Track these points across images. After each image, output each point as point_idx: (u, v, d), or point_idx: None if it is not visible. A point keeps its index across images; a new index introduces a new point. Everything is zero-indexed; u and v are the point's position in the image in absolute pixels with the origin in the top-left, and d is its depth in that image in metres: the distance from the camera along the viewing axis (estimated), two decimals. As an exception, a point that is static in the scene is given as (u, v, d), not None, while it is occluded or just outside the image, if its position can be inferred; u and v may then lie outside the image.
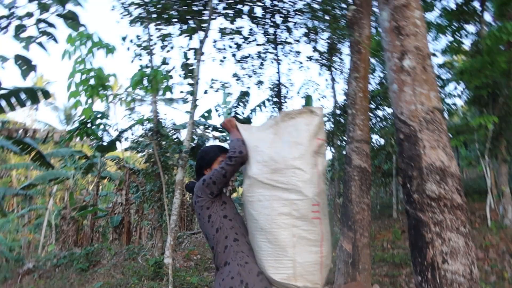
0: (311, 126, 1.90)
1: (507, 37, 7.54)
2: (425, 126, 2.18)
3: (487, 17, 10.36)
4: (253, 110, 12.93)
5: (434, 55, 12.94)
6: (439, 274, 1.99)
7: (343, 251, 5.52)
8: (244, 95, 12.53)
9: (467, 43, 11.91)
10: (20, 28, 3.86)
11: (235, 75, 10.24)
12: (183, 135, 11.12)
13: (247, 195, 1.90)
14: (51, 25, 4.08)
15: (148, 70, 6.38)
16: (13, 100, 7.74)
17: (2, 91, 7.20)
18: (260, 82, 10.89)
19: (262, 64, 10.43)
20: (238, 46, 9.19)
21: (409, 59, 2.34)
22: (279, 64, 12.08)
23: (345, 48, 12.99)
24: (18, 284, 9.02)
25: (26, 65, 3.86)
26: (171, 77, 6.70)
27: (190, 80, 7.51)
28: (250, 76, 10.40)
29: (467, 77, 8.74)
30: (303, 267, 1.76)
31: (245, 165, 1.95)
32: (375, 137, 12.42)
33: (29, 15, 3.96)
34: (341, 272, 5.49)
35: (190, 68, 7.60)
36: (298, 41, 12.25)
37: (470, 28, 11.01)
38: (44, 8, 4.09)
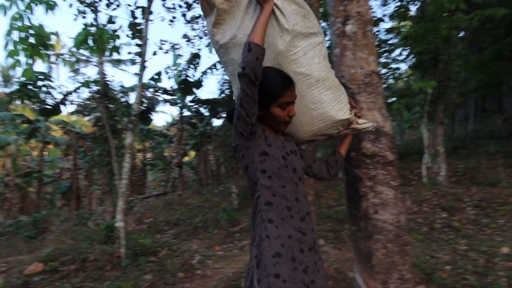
0: None
1: (449, 4, 7.88)
2: (363, 89, 2.32)
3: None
4: (204, 73, 12.71)
5: (382, 20, 13.27)
6: (371, 223, 2.20)
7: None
8: (195, 57, 12.24)
9: (413, 9, 12.27)
10: None
11: (185, 36, 9.91)
12: (132, 98, 10.86)
13: (290, 54, 1.69)
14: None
15: (93, 29, 6.08)
16: None
17: None
18: (211, 44, 10.64)
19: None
20: (189, 6, 8.82)
21: (351, 24, 2.44)
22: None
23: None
24: (-40, 254, 8.65)
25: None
26: (118, 37, 6.42)
27: (138, 41, 7.24)
28: (201, 38, 10.11)
29: (411, 42, 9.09)
30: (347, 98, 1.90)
31: (274, 22, 1.68)
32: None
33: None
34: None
35: (138, 28, 7.30)
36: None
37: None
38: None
